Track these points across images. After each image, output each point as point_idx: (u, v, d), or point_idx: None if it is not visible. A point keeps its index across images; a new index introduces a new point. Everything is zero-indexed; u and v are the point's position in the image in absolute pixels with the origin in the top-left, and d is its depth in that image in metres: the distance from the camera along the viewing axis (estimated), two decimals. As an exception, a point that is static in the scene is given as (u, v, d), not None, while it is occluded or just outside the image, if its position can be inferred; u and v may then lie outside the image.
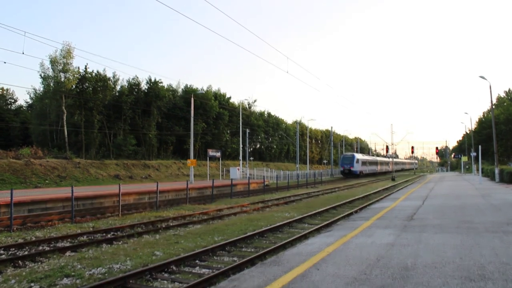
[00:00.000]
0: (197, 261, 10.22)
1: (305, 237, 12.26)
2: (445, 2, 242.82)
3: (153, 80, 60.49)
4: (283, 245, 11.36)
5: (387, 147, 76.66)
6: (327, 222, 15.43)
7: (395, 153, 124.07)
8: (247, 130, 65.19)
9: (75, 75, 48.71)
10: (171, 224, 16.38)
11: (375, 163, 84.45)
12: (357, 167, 69.57)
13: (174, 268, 9.46)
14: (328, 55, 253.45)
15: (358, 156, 72.90)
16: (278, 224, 15.46)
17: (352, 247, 8.61)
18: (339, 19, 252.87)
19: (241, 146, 58.25)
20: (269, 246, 11.37)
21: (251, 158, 71.33)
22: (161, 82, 61.33)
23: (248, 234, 13.40)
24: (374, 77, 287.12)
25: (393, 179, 56.70)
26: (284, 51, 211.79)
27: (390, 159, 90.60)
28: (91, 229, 15.33)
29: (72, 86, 49.03)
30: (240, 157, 57.19)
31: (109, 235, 14.08)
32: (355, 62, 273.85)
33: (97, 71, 52.59)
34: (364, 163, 71.23)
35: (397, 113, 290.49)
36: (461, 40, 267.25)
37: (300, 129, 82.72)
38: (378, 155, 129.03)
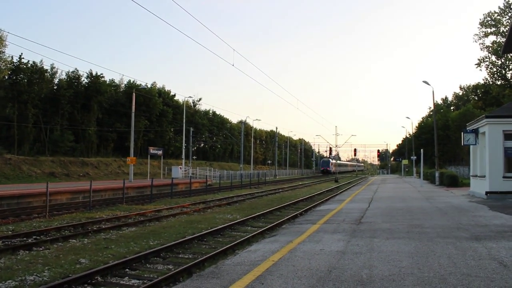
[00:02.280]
0: (127, 269, 9.08)
1: (248, 242, 11.33)
2: (391, 6, 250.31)
3: (94, 74, 57.80)
4: (225, 250, 10.41)
5: (330, 149, 78.01)
6: (272, 225, 14.63)
7: (338, 155, 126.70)
8: (191, 129, 63.74)
9: (8, 65, 45.53)
10: (103, 227, 15.02)
11: (344, 165, 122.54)
12: (331, 168, 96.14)
13: (99, 279, 8.27)
14: (274, 54, 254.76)
15: (332, 161, 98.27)
16: (219, 226, 14.53)
17: (300, 255, 7.79)
18: (288, 18, 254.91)
19: (184, 144, 56.80)
20: (209, 252, 10.37)
21: (194, 157, 69.96)
22: (103, 77, 58.79)
23: (187, 238, 12.39)
24: (320, 80, 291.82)
25: (336, 181, 57.01)
26: (231, 42, 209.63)
27: (355, 163, 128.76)
28: (10, 232, 13.71)
29: (4, 77, 45.81)
30: (183, 156, 55.73)
31: (30, 240, 12.57)
32: (302, 64, 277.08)
33: (33, 62, 49.62)
34: (335, 165, 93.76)
35: (341, 116, 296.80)
36: (405, 47, 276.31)
37: (245, 129, 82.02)
38: (339, 159, 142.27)
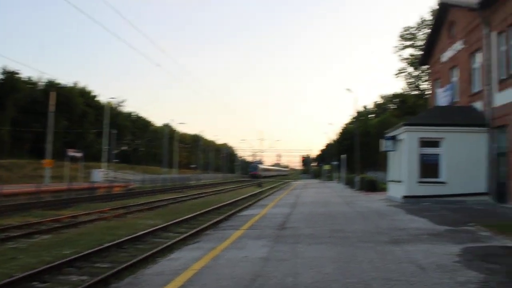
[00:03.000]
0: (35, 282, 8.39)
1: (169, 249, 10.94)
2: (318, 13, 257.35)
3: (9, 70, 54.35)
4: (145, 259, 9.96)
5: (254, 154, 78.74)
6: (195, 230, 14.30)
7: (261, 160, 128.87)
8: (114, 131, 61.68)
9: None
10: (11, 235, 13.94)
11: (271, 170, 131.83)
12: (259, 172, 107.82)
13: (1, 295, 7.57)
14: (203, 56, 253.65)
15: (260, 166, 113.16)
16: (140, 233, 13.98)
17: (223, 262, 7.56)
18: (220, 20, 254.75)
19: (104, 147, 54.80)
20: (128, 261, 9.86)
21: (117, 160, 67.73)
22: (19, 73, 55.46)
23: (105, 245, 11.76)
24: (246, 84, 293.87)
25: (259, 185, 57.37)
26: (157, 41, 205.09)
27: (280, 168, 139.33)
28: None
29: None
30: (105, 159, 53.75)
31: None
32: (229, 68, 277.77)
33: None
34: (263, 169, 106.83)
35: (266, 121, 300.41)
36: (331, 56, 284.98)
37: (169, 132, 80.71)
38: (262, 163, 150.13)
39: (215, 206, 24.20)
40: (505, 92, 18.66)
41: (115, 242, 12.23)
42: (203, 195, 37.35)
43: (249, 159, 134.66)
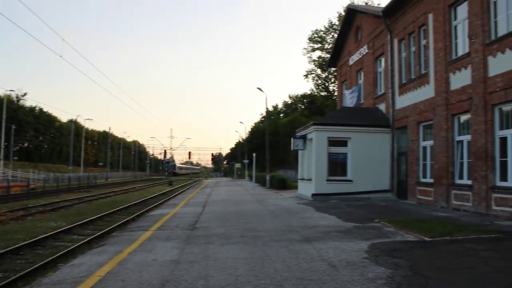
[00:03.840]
0: None
1: (72, 254, 10.22)
2: (231, 13, 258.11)
3: None
4: (44, 265, 9.20)
5: (165, 151, 77.26)
6: (101, 232, 13.54)
7: (172, 157, 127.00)
8: (13, 126, 57.51)
9: None
10: None
11: (186, 168, 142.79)
12: (177, 170, 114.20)
13: None
14: (112, 51, 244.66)
15: (177, 164, 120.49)
16: (40, 236, 12.99)
17: (131, 267, 7.12)
18: (131, 14, 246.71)
19: (4, 144, 50.95)
20: (24, 268, 9.05)
21: (16, 158, 63.23)
22: None
23: (-1, 251, 10.72)
24: (156, 80, 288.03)
25: (170, 184, 56.34)
26: (59, 31, 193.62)
27: (193, 166, 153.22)
28: None
29: None
30: (1, 156, 49.94)
31: None
32: (137, 63, 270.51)
33: None
34: (179, 168, 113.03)
35: (177, 118, 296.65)
36: (242, 55, 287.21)
37: (75, 128, 76.77)
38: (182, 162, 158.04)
39: (124, 206, 23.28)
40: (405, 95, 19.74)
41: (11, 247, 11.21)
42: (111, 194, 35.89)
43: (160, 157, 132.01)
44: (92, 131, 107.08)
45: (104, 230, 13.97)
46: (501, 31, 13.54)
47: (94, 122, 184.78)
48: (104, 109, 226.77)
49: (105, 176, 76.36)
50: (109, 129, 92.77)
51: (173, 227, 12.26)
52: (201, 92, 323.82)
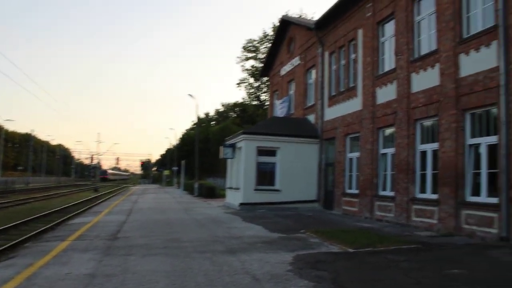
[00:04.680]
0: None
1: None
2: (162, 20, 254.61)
3: None
4: None
5: (92, 156, 74.56)
6: (12, 243, 12.52)
7: (99, 163, 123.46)
8: None
9: None
10: None
11: (118, 174, 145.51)
12: (109, 176, 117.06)
13: None
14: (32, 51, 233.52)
15: (109, 170, 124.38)
16: None
17: (40, 282, 6.56)
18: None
19: None
20: None
21: None
22: None
23: None
24: (82, 83, 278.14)
25: (96, 190, 54.21)
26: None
27: (123, 172, 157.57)
28: None
29: None
30: None
31: None
32: (63, 63, 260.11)
33: None
34: (111, 174, 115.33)
35: (105, 122, 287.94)
36: (174, 62, 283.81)
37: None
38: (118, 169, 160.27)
39: (43, 213, 21.91)
40: (334, 107, 20.18)
41: None
42: (31, 200, 33.81)
43: (87, 162, 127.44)
44: (13, 133, 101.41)
45: (16, 241, 12.96)
46: (424, 50, 14.17)
47: (16, 123, 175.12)
48: (28, 111, 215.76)
49: (25, 181, 72.28)
50: (32, 131, 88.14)
51: (93, 237, 11.63)
52: (132, 97, 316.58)
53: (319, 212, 19.63)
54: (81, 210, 23.48)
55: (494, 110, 11.17)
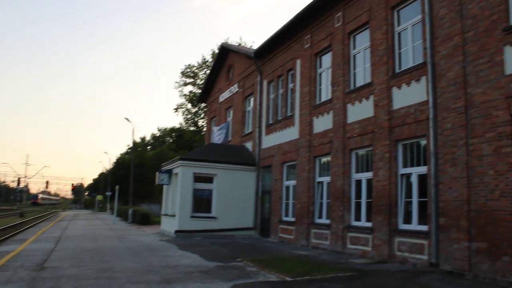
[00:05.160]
0: None
1: None
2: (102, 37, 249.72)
3: None
4: None
5: (19, 179, 70.75)
6: None
7: (27, 186, 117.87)
8: None
9: None
10: None
11: (48, 199, 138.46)
12: (39, 200, 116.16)
13: None
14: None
15: (40, 195, 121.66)
16: None
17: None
18: None
19: None
20: None
21: None
22: None
23: None
24: (19, 103, 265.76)
25: (21, 215, 51.25)
26: None
27: (54, 197, 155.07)
28: None
29: None
30: None
31: None
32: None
33: None
34: (42, 198, 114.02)
35: (34, 144, 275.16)
36: (109, 84, 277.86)
37: None
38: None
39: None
40: (272, 135, 20.43)
41: None
42: None
43: (13, 185, 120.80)
44: None
45: None
46: (359, 82, 14.71)
47: None
48: None
49: None
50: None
51: (16, 268, 10.86)
52: (67, 119, 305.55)
53: (255, 239, 19.54)
54: (3, 237, 22.01)
55: (423, 141, 11.71)
